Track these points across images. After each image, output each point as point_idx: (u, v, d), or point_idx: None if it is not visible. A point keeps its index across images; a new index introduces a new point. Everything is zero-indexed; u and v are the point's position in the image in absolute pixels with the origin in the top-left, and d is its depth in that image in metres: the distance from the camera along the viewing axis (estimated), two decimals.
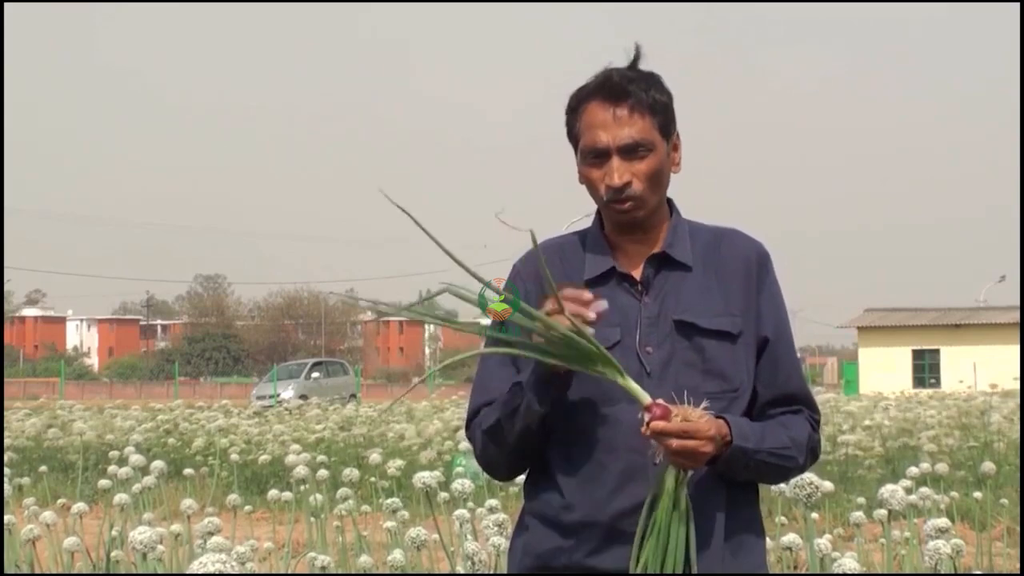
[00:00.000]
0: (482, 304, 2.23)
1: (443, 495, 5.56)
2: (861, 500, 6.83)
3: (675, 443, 2.18)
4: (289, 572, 6.20)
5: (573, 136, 2.44)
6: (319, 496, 6.49)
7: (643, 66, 2.43)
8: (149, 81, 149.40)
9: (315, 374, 39.82)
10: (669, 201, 2.48)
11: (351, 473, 6.39)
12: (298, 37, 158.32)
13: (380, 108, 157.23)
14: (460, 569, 4.21)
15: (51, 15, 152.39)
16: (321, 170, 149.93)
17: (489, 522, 3.95)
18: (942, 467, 7.67)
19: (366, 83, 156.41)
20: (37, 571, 5.56)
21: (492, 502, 4.79)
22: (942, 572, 3.19)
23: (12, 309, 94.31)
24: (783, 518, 6.03)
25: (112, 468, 6.92)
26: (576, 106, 2.43)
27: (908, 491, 5.07)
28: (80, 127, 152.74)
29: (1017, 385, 20.00)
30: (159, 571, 4.14)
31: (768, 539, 4.60)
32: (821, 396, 17.55)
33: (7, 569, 5.35)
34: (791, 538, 4.17)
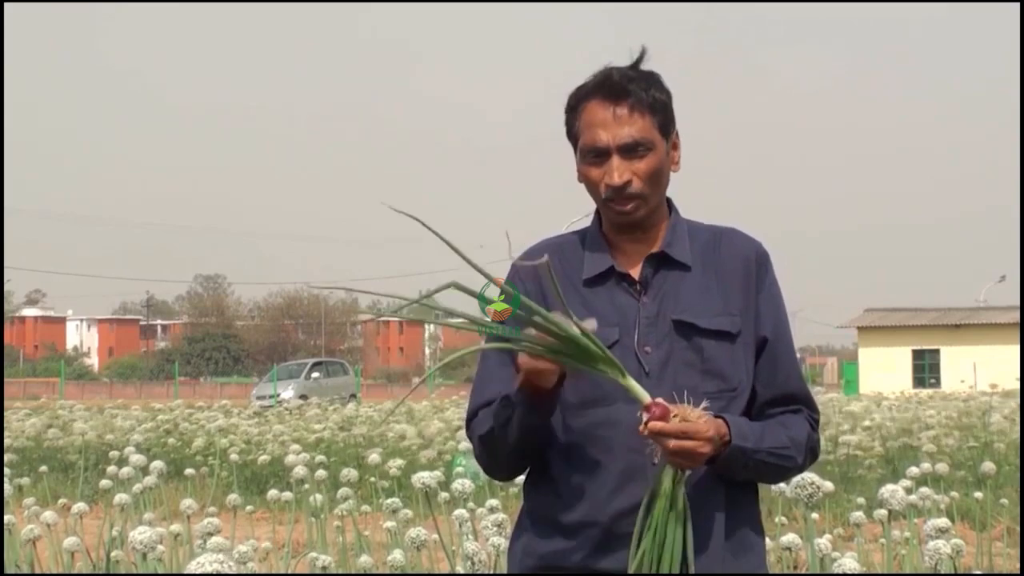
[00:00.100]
0: (482, 303, 2.23)
1: (443, 495, 5.56)
2: (861, 500, 6.83)
3: (673, 443, 2.17)
4: (289, 572, 6.20)
5: (572, 135, 2.44)
6: (319, 496, 6.49)
7: (643, 66, 2.43)
8: (149, 81, 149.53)
9: (315, 374, 39.84)
10: (668, 201, 2.48)
11: (351, 473, 6.39)
12: (298, 37, 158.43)
13: (380, 108, 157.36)
14: (460, 569, 4.20)
15: (51, 15, 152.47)
16: (321, 170, 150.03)
17: (489, 522, 3.95)
18: (942, 467, 7.66)
19: (366, 83, 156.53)
20: (37, 571, 5.56)
21: (492, 502, 4.79)
22: (942, 572, 3.19)
23: (12, 309, 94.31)
24: (783, 518, 6.03)
25: (112, 468, 6.93)
26: (575, 105, 2.43)
27: (908, 491, 5.06)
28: (80, 127, 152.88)
29: (1018, 385, 19.99)
30: (159, 571, 4.14)
31: (768, 539, 4.60)
32: (823, 396, 17.57)
33: (7, 569, 5.35)
34: (791, 538, 4.17)
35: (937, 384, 41.60)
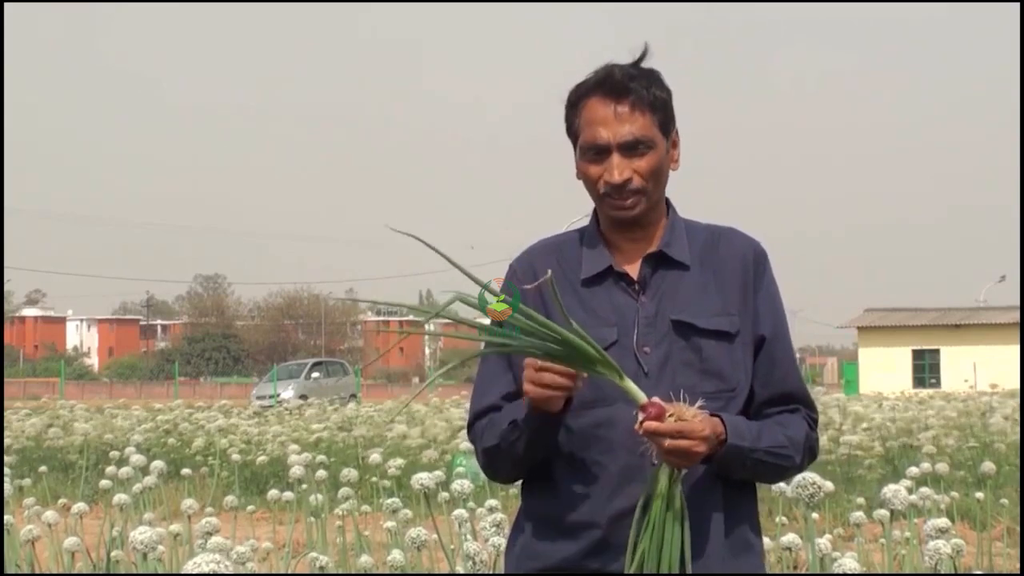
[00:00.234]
0: (482, 305, 2.23)
1: (443, 495, 5.56)
2: (861, 500, 6.83)
3: (668, 443, 2.17)
4: (289, 572, 6.20)
5: (572, 132, 2.43)
6: (319, 496, 6.48)
7: (644, 64, 2.42)
8: (149, 81, 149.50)
9: (315, 374, 39.85)
10: (666, 200, 2.48)
11: (351, 473, 6.38)
12: (297, 37, 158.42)
13: (380, 108, 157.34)
14: (460, 569, 4.20)
15: (51, 15, 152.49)
16: (321, 170, 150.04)
17: (488, 522, 3.95)
18: (942, 467, 7.66)
19: (366, 83, 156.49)
20: (37, 571, 5.55)
21: (492, 502, 4.79)
22: (942, 572, 3.18)
23: (12, 309, 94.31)
24: (783, 518, 6.02)
25: (112, 468, 6.92)
26: (576, 101, 2.42)
27: (908, 491, 5.06)
28: (80, 127, 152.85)
29: (1017, 385, 19.99)
30: (159, 571, 4.14)
31: (768, 539, 4.60)
32: (826, 396, 17.58)
33: (7, 569, 5.34)
34: (791, 538, 4.16)
35: (937, 384, 41.58)
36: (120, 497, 5.54)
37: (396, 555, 4.25)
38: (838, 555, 4.10)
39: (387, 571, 4.58)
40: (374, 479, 7.78)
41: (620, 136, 2.36)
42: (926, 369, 45.90)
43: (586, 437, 2.33)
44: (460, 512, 4.61)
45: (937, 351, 45.88)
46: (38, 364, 75.13)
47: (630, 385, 2.21)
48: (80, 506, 5.92)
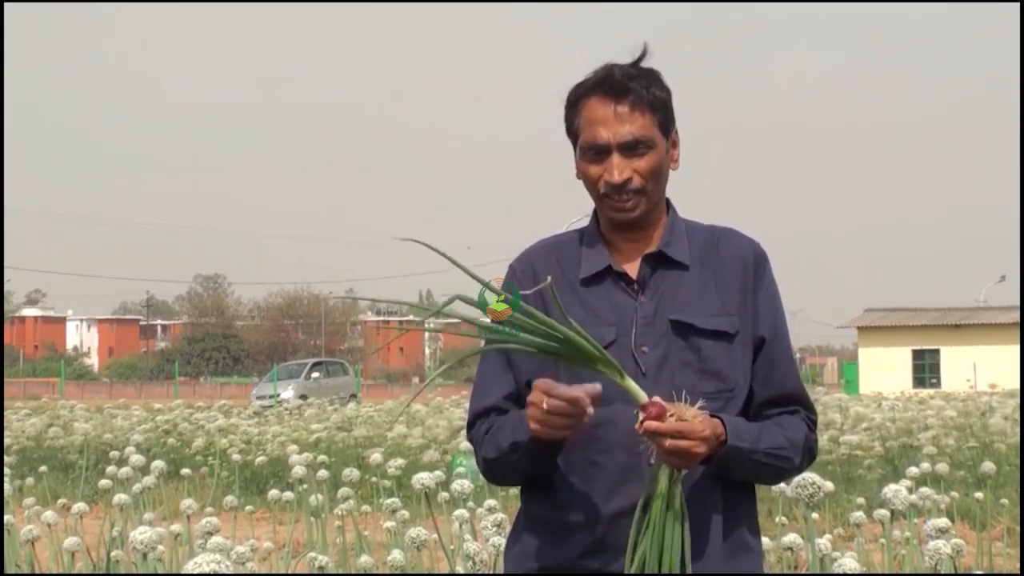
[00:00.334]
0: (482, 305, 2.23)
1: (443, 495, 5.56)
2: (861, 500, 6.82)
3: (668, 443, 2.16)
4: (289, 572, 6.20)
5: (572, 132, 2.43)
6: (319, 496, 6.48)
7: (644, 64, 2.42)
8: (149, 81, 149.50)
9: (315, 374, 39.84)
10: (666, 200, 2.48)
11: (351, 473, 6.38)
12: (297, 37, 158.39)
13: (380, 108, 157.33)
14: (460, 569, 4.20)
15: (51, 15, 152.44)
16: (321, 170, 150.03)
17: (489, 522, 3.95)
18: (942, 467, 7.66)
19: (366, 83, 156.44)
20: (37, 571, 5.55)
21: (491, 502, 4.79)
22: (942, 572, 3.18)
23: (12, 309, 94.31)
24: (783, 518, 6.02)
25: (112, 468, 6.92)
26: (576, 101, 2.42)
27: (908, 491, 5.06)
28: (80, 127, 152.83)
29: (1017, 385, 19.98)
30: (159, 571, 4.13)
31: (768, 539, 4.60)
32: (827, 397, 17.57)
33: (7, 569, 5.34)
34: (791, 538, 4.16)
35: (937, 384, 41.58)
36: (120, 497, 5.54)
37: (396, 555, 4.25)
38: (838, 555, 4.10)
39: (387, 571, 4.58)
40: (374, 479, 7.77)
41: (620, 136, 2.35)
42: (926, 369, 45.89)
43: (585, 437, 2.32)
44: (461, 512, 4.61)
45: (937, 351, 45.87)
46: (38, 364, 75.13)
47: (631, 384, 2.21)
48: (80, 506, 5.92)
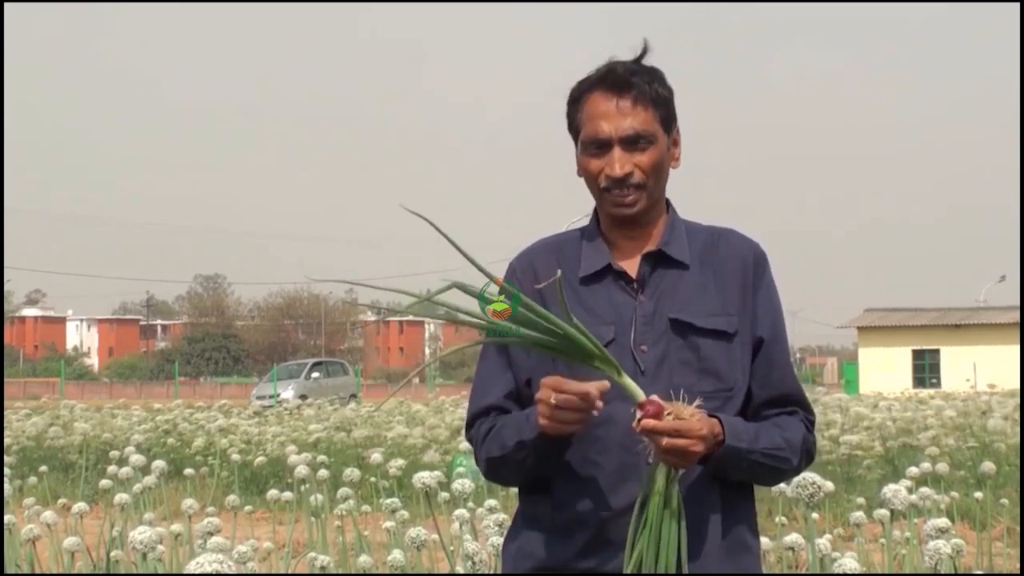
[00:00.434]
0: (482, 302, 2.23)
1: (443, 495, 5.56)
2: (861, 500, 6.82)
3: (665, 441, 2.16)
4: (289, 572, 6.20)
5: (574, 127, 2.43)
6: (319, 496, 6.48)
7: (645, 62, 2.43)
8: (149, 81, 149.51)
9: (315, 374, 39.83)
10: (666, 200, 2.48)
11: (352, 473, 6.38)
12: (297, 37, 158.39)
13: (380, 108, 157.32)
14: (460, 569, 4.20)
15: (51, 15, 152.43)
16: (321, 170, 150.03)
17: (489, 522, 3.95)
18: (942, 467, 7.66)
19: (366, 83, 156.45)
20: (37, 571, 5.55)
21: (492, 502, 4.79)
22: (942, 572, 3.18)
23: (12, 309, 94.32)
24: (783, 518, 6.02)
25: (112, 468, 6.93)
26: (578, 96, 2.42)
27: (908, 491, 5.06)
28: (80, 127, 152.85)
29: (1017, 385, 19.99)
30: (159, 571, 4.13)
31: (768, 539, 4.61)
32: (827, 397, 17.55)
33: (7, 569, 5.34)
34: (791, 538, 4.16)
35: (938, 384, 41.58)
36: (120, 497, 5.54)
37: (396, 555, 4.25)
38: (838, 555, 4.10)
39: (387, 571, 4.58)
40: (373, 479, 7.78)
41: (622, 130, 2.35)
42: (926, 369, 45.89)
43: (582, 436, 2.31)
44: (461, 512, 4.61)
45: (937, 351, 45.87)
46: (38, 364, 75.13)
47: (628, 382, 2.20)
48: (80, 506, 5.92)
